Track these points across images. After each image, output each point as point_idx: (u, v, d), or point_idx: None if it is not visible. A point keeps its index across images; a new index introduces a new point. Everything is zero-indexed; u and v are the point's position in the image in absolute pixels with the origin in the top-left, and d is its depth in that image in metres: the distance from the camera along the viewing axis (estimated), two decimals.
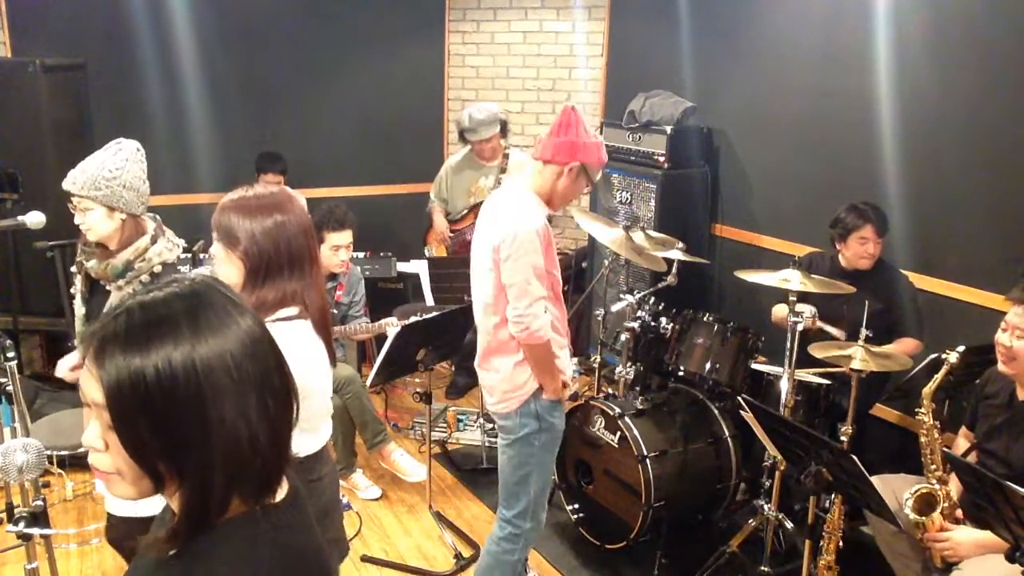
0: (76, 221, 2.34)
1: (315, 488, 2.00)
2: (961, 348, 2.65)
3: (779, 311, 3.66)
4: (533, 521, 2.78)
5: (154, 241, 2.36)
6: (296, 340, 1.88)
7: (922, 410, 2.68)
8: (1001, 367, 2.55)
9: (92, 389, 0.93)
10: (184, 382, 0.91)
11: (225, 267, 1.93)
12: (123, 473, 0.95)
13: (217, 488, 0.95)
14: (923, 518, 2.55)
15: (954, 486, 2.65)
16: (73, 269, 2.52)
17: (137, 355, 0.91)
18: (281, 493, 1.06)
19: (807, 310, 3.28)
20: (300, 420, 1.87)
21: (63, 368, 2.42)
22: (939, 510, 2.55)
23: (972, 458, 2.65)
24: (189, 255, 2.51)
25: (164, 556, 1.01)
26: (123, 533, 2.35)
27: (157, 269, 2.33)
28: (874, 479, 2.37)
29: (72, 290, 2.51)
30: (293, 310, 1.91)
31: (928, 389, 2.67)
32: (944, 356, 2.65)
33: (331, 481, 2.11)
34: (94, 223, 2.32)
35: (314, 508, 1.93)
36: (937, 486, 2.61)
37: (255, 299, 1.87)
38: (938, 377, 2.65)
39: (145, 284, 2.32)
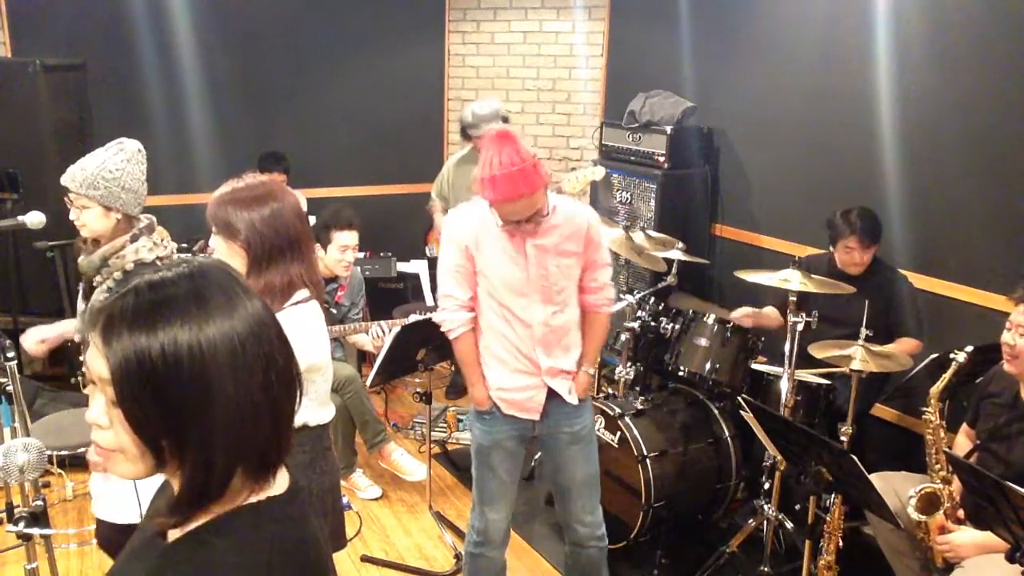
0: (71, 216, 2.35)
1: (330, 456, 2.21)
2: (969, 348, 2.64)
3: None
4: (479, 521, 2.74)
5: (134, 239, 2.35)
6: (314, 321, 2.06)
7: (929, 409, 2.67)
8: (1006, 366, 2.54)
9: (98, 365, 0.94)
10: (189, 362, 0.92)
11: (227, 258, 1.99)
12: (125, 450, 0.96)
13: (219, 461, 0.95)
14: (926, 518, 2.54)
15: (957, 486, 2.64)
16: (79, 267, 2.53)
17: (143, 334, 0.92)
18: (282, 486, 1.06)
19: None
20: (319, 394, 2.11)
21: (30, 340, 2.47)
22: (942, 510, 2.55)
23: (973, 458, 2.65)
24: (188, 255, 2.51)
25: (166, 544, 1.01)
26: (108, 536, 2.37)
27: (129, 267, 2.31)
28: (875, 476, 2.37)
29: (79, 288, 2.53)
30: (305, 292, 2.04)
31: (936, 389, 2.66)
32: (952, 356, 2.63)
33: (333, 455, 2.27)
34: (89, 220, 2.33)
35: (332, 477, 2.19)
36: (941, 486, 2.60)
37: (263, 284, 1.97)
38: (946, 377, 2.64)
39: (117, 281, 2.32)
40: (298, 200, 2.11)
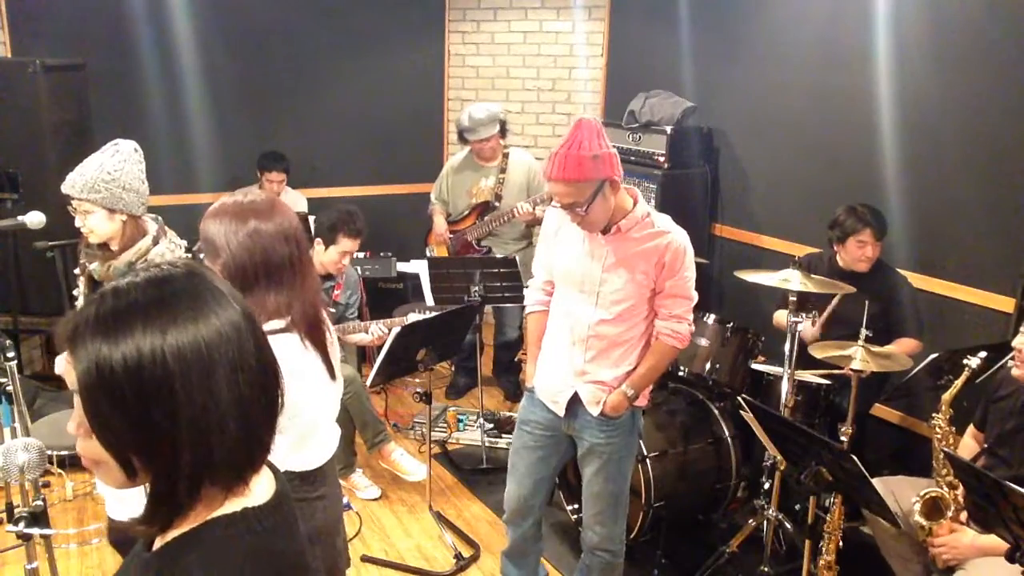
0: (77, 224, 2.35)
1: (304, 509, 1.90)
2: (983, 353, 2.62)
3: (779, 317, 3.66)
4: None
5: (156, 242, 2.37)
6: (279, 355, 1.80)
7: (939, 416, 2.66)
8: (1015, 371, 2.51)
9: (70, 377, 0.93)
10: (151, 371, 0.90)
11: None
12: (104, 462, 0.95)
13: (184, 469, 0.93)
14: (931, 522, 2.53)
15: (963, 490, 2.63)
16: (76, 271, 2.52)
17: (104, 343, 0.90)
18: (265, 495, 1.04)
19: (807, 324, 3.29)
20: (289, 437, 1.84)
21: (61, 363, 2.44)
22: (948, 515, 2.54)
23: (980, 462, 2.64)
24: (189, 255, 2.51)
25: (145, 555, 1.00)
26: (121, 536, 2.36)
27: None
28: (874, 481, 2.36)
29: (75, 292, 2.51)
30: (279, 323, 1.82)
31: (948, 395, 2.65)
32: (966, 361, 2.61)
33: (329, 504, 2.00)
34: (95, 225, 2.33)
35: (313, 524, 1.91)
36: (947, 491, 2.59)
37: None
38: (959, 383, 2.62)
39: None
40: (295, 224, 1.88)
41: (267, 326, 1.77)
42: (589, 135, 2.32)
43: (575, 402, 2.61)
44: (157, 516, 0.96)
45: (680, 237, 2.50)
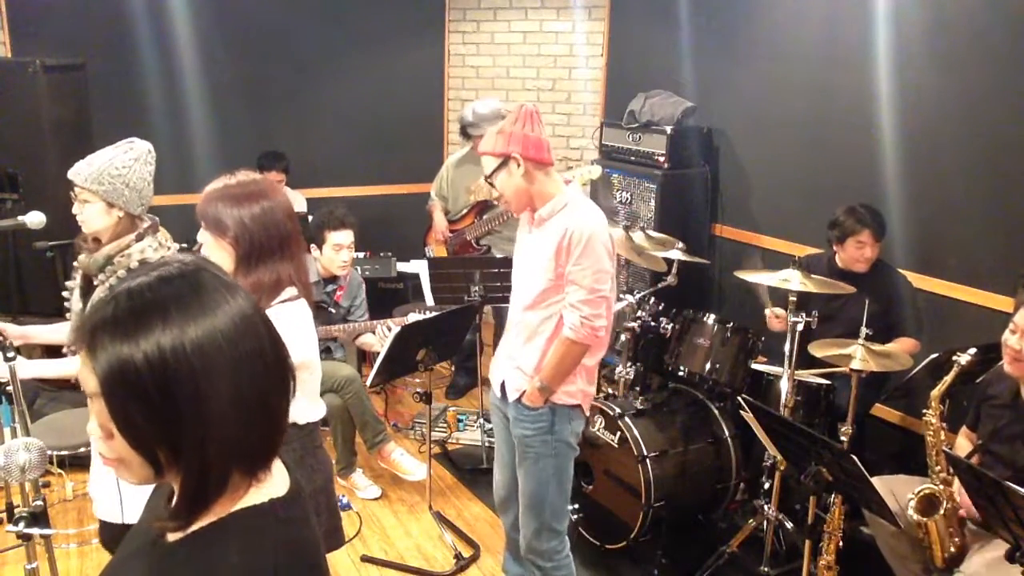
0: (74, 211, 2.35)
1: (320, 454, 2.20)
2: (972, 350, 2.62)
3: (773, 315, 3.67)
4: None
5: (140, 239, 2.35)
6: (302, 319, 2.06)
7: (929, 412, 2.66)
8: (1007, 367, 2.52)
9: (88, 379, 0.94)
10: (175, 367, 0.91)
11: (215, 254, 2.00)
12: (126, 460, 0.96)
13: (214, 464, 0.95)
14: (925, 519, 2.54)
15: (957, 486, 2.64)
16: (75, 264, 2.52)
17: (126, 343, 0.91)
18: (283, 487, 1.06)
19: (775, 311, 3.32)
20: (308, 391, 2.10)
21: (12, 330, 2.42)
22: (942, 511, 2.54)
23: (975, 460, 2.64)
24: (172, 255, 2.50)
25: (166, 541, 1.01)
26: (111, 537, 2.35)
27: (133, 265, 2.30)
28: (873, 480, 2.36)
29: (69, 283, 2.50)
30: (293, 291, 2.03)
31: (936, 391, 2.65)
32: (955, 358, 2.62)
33: (325, 452, 2.28)
34: (90, 216, 2.33)
35: (323, 475, 2.18)
36: (941, 487, 2.60)
37: (252, 282, 1.96)
38: (947, 379, 2.62)
39: (120, 280, 2.30)
40: (289, 200, 2.12)
41: (286, 293, 2.03)
42: (512, 117, 2.48)
43: (503, 387, 2.70)
44: (186, 509, 0.97)
45: (583, 224, 2.41)
